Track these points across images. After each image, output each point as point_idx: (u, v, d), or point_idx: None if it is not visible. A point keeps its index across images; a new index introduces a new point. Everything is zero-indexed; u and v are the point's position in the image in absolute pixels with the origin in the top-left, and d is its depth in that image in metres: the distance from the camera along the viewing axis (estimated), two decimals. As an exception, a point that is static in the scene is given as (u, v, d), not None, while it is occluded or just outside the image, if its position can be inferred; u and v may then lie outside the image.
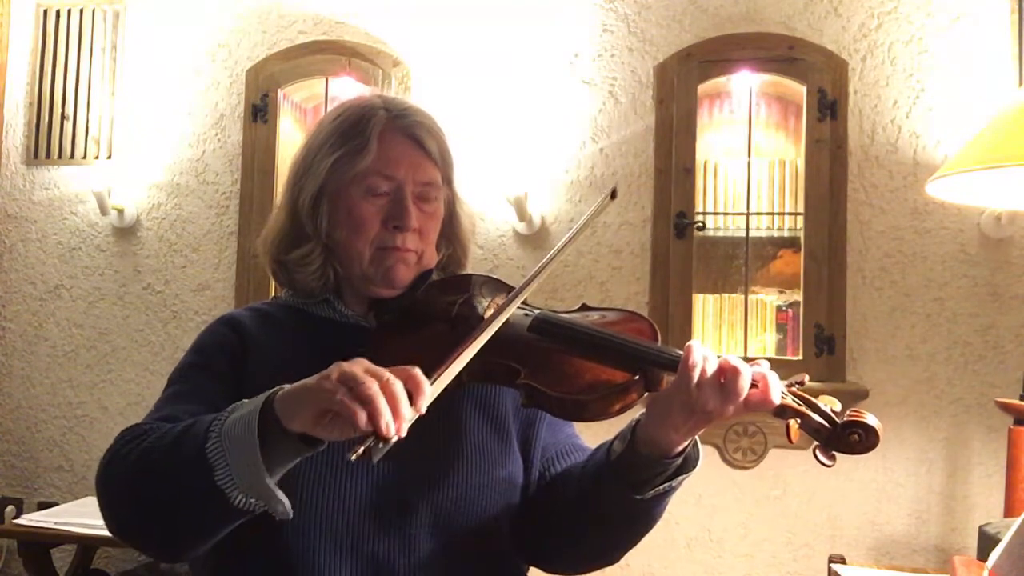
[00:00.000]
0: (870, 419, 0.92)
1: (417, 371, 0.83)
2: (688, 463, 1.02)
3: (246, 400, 0.90)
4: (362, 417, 0.78)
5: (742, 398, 0.93)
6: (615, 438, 1.05)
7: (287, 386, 0.87)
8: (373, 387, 0.79)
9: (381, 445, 0.78)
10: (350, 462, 1.01)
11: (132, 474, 0.93)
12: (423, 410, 0.82)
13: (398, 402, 0.79)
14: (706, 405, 0.93)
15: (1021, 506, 1.95)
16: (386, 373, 0.81)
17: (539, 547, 1.15)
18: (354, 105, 1.19)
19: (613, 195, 1.15)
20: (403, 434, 0.79)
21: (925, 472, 2.46)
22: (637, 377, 0.97)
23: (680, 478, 1.02)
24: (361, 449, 0.77)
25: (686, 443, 0.99)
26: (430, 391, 0.83)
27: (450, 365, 0.87)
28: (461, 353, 0.89)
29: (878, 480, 2.48)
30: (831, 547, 2.46)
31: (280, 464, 0.87)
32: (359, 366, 0.82)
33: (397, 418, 0.78)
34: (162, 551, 1.00)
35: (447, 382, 0.87)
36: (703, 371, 0.92)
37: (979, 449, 2.43)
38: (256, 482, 0.85)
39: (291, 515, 0.87)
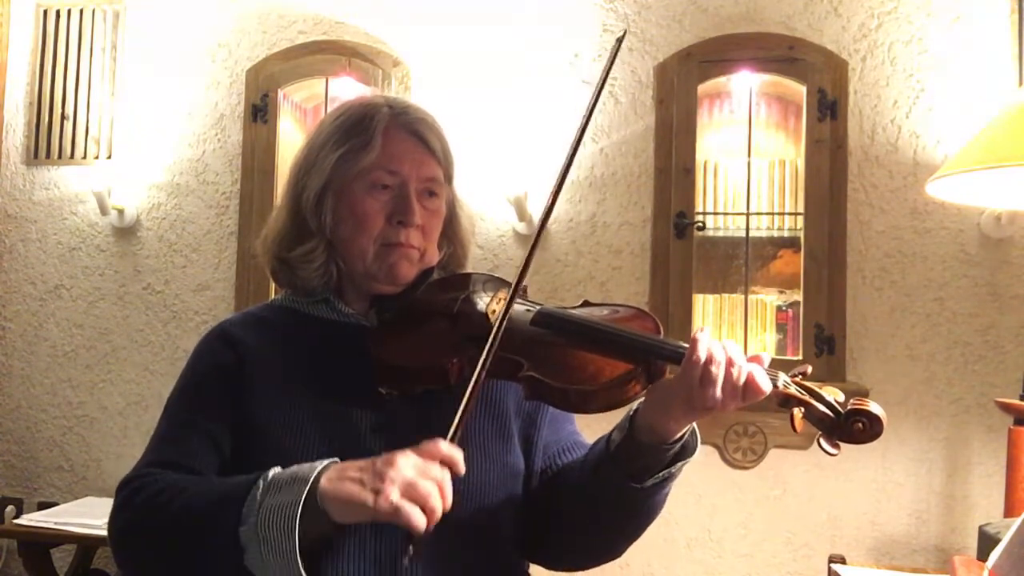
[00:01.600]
0: (874, 407, 0.92)
1: (445, 446, 0.90)
2: (687, 450, 1.02)
3: (277, 472, 0.94)
4: (422, 523, 0.85)
5: (740, 387, 0.93)
6: (614, 429, 1.06)
7: (333, 472, 0.91)
8: (435, 497, 0.86)
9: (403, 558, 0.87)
10: (352, 448, 1.03)
11: (155, 550, 0.98)
12: (463, 473, 0.91)
13: (447, 496, 0.88)
14: (707, 401, 0.93)
15: (1021, 506, 1.95)
16: (436, 472, 0.88)
17: (542, 543, 1.15)
18: (357, 103, 1.20)
19: (622, 38, 1.18)
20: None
21: (925, 472, 2.46)
22: (640, 369, 0.98)
23: (679, 464, 1.02)
24: (412, 551, 0.86)
25: (684, 430, 1.00)
26: (460, 459, 0.90)
27: (460, 411, 0.92)
28: (469, 403, 0.93)
29: (878, 480, 2.48)
30: (831, 547, 2.46)
31: (312, 543, 0.92)
32: (410, 468, 0.88)
33: (446, 504, 0.88)
34: None
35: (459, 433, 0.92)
36: (708, 370, 0.92)
37: (979, 449, 2.43)
38: (288, 570, 0.89)
39: None
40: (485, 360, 0.95)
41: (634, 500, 1.03)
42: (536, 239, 1.06)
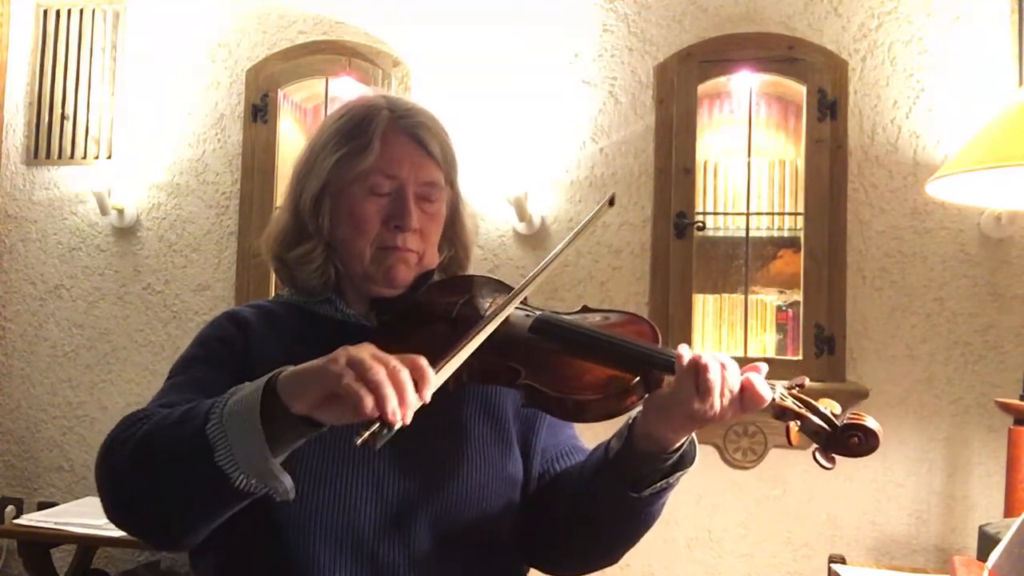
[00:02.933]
0: (870, 422, 0.92)
1: (422, 360, 0.83)
2: (685, 459, 1.02)
3: (247, 383, 0.90)
4: (368, 402, 0.78)
5: (736, 393, 0.93)
6: (613, 436, 1.05)
7: (290, 368, 0.86)
8: (380, 373, 0.79)
9: (386, 431, 0.78)
10: (351, 454, 1.01)
11: (132, 457, 0.93)
12: (428, 398, 0.82)
13: (404, 389, 0.79)
14: (706, 412, 0.93)
15: (1021, 506, 1.95)
16: (392, 360, 0.81)
17: (540, 548, 1.15)
18: (358, 105, 1.19)
19: (611, 202, 1.15)
20: (408, 421, 0.79)
21: (925, 472, 2.46)
22: (637, 378, 0.97)
23: (678, 474, 1.02)
24: (366, 434, 0.77)
25: (683, 440, 0.99)
26: (435, 379, 0.83)
27: (454, 356, 0.87)
28: (464, 344, 0.89)
29: (878, 480, 2.48)
30: (831, 547, 2.46)
31: (282, 446, 0.87)
32: (366, 351, 0.82)
33: (403, 404, 0.79)
34: (160, 536, 0.99)
35: (451, 372, 0.87)
36: (705, 379, 0.92)
37: (979, 449, 2.43)
38: (257, 461, 0.85)
39: (292, 495, 0.87)
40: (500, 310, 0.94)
41: (632, 508, 1.03)
42: (545, 265, 1.06)
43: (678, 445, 0.99)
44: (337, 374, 0.80)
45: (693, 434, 1.01)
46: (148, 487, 0.92)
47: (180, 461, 0.89)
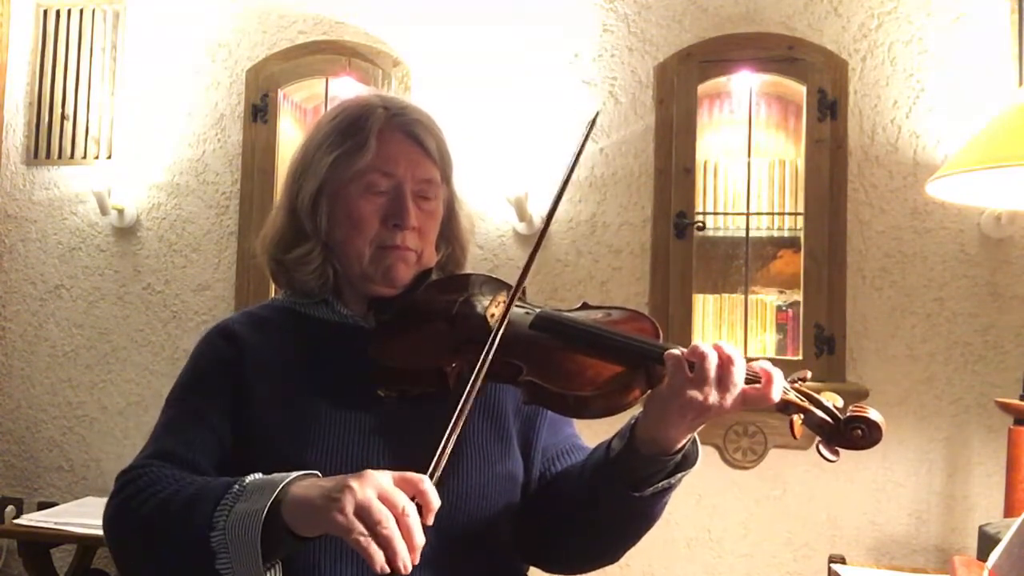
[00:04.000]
0: (873, 414, 0.92)
1: (424, 481, 0.84)
2: (687, 461, 1.01)
3: (252, 478, 0.93)
4: (380, 560, 0.80)
5: (738, 390, 0.93)
6: (614, 436, 1.05)
7: (296, 483, 0.89)
8: (391, 526, 0.80)
9: None
10: (350, 453, 1.03)
11: (139, 536, 0.99)
12: (431, 523, 0.84)
13: (414, 536, 0.81)
14: (702, 401, 0.92)
15: (1021, 506, 1.95)
16: (400, 500, 0.82)
17: (539, 546, 1.15)
18: (353, 104, 1.19)
19: (594, 121, 1.16)
20: (417, 561, 0.82)
21: (925, 472, 2.46)
22: (639, 373, 0.97)
23: (679, 476, 1.01)
24: None
25: (685, 440, 0.99)
26: (437, 504, 0.84)
27: (445, 452, 0.88)
28: (455, 431, 0.89)
29: (878, 480, 2.48)
30: (831, 547, 2.46)
31: (281, 553, 0.91)
32: (372, 490, 0.82)
33: (413, 552, 0.81)
34: None
35: (444, 461, 0.88)
36: (699, 367, 0.92)
37: (979, 449, 2.43)
38: (254, 573, 0.89)
39: None
40: (480, 369, 0.94)
41: (633, 508, 1.02)
42: (536, 247, 1.06)
43: (680, 446, 0.99)
44: (346, 528, 0.81)
45: (695, 435, 1.00)
46: (153, 565, 0.99)
47: (183, 557, 0.94)
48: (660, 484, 1.00)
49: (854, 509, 2.49)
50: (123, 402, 2.94)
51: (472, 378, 0.94)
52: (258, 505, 0.88)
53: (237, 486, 0.93)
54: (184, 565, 0.94)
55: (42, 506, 2.81)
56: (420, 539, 0.81)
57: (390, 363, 1.07)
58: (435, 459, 0.86)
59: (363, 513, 0.81)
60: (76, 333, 2.99)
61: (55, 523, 2.48)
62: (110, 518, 1.02)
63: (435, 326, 1.11)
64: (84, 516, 2.50)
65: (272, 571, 0.91)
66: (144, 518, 0.97)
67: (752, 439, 2.54)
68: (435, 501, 0.83)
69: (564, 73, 2.71)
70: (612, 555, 1.12)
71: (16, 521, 2.55)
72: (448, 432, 0.88)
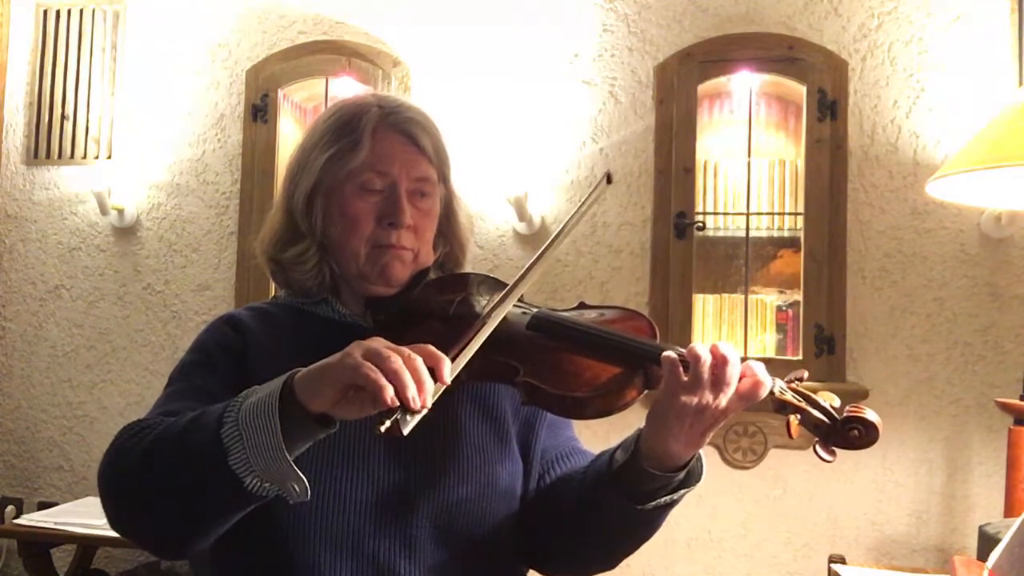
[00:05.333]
0: (870, 414, 0.92)
1: (433, 348, 0.85)
2: (691, 477, 1.01)
3: (259, 386, 0.90)
4: (389, 391, 0.80)
5: (732, 389, 0.92)
6: (618, 447, 1.04)
7: (303, 369, 0.87)
8: (397, 361, 0.81)
9: (408, 417, 0.80)
10: (350, 454, 1.01)
11: (139, 464, 0.92)
12: (448, 380, 0.84)
13: (421, 374, 0.82)
14: (698, 403, 0.92)
15: (1021, 506, 1.95)
16: (406, 349, 0.83)
17: (537, 549, 1.15)
18: (348, 103, 1.19)
19: (608, 179, 1.15)
20: (429, 405, 0.81)
21: (925, 472, 2.46)
22: (636, 374, 0.97)
23: (682, 492, 1.01)
24: (389, 423, 0.79)
25: (690, 457, 0.98)
26: (450, 365, 0.85)
27: (467, 343, 0.90)
28: (476, 332, 0.91)
29: (878, 480, 2.48)
30: (831, 547, 2.46)
31: (295, 447, 0.87)
32: (379, 343, 0.84)
33: (422, 390, 0.81)
34: (166, 544, 0.99)
35: (468, 357, 0.89)
36: (694, 369, 0.92)
37: (979, 449, 2.43)
38: (274, 462, 0.85)
39: (308, 495, 0.87)
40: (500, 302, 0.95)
41: (633, 520, 1.02)
42: (541, 254, 1.06)
43: (684, 462, 0.98)
44: (354, 366, 0.82)
45: (700, 452, 1.00)
46: (156, 493, 0.92)
47: (191, 466, 0.88)
48: (663, 500, 1.00)
49: (854, 509, 2.49)
50: (123, 402, 2.94)
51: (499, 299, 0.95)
52: (271, 388, 0.87)
53: (244, 392, 0.90)
54: (192, 478, 0.88)
55: (42, 506, 2.81)
56: (430, 383, 0.82)
57: None
58: (455, 347, 0.88)
59: (370, 354, 0.82)
60: (76, 333, 2.99)
61: (55, 523, 2.48)
62: (107, 461, 0.96)
63: (432, 325, 1.10)
64: (84, 516, 2.50)
65: (296, 471, 0.85)
66: (145, 448, 0.92)
67: (752, 439, 2.54)
68: (446, 368, 0.84)
69: (564, 73, 2.71)
70: (610, 562, 1.12)
71: (16, 521, 2.55)
72: (475, 324, 0.91)
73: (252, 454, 0.85)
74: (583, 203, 1.11)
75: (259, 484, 0.86)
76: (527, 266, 1.04)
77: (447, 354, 0.87)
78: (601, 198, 1.19)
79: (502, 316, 0.96)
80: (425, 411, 0.81)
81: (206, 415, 0.90)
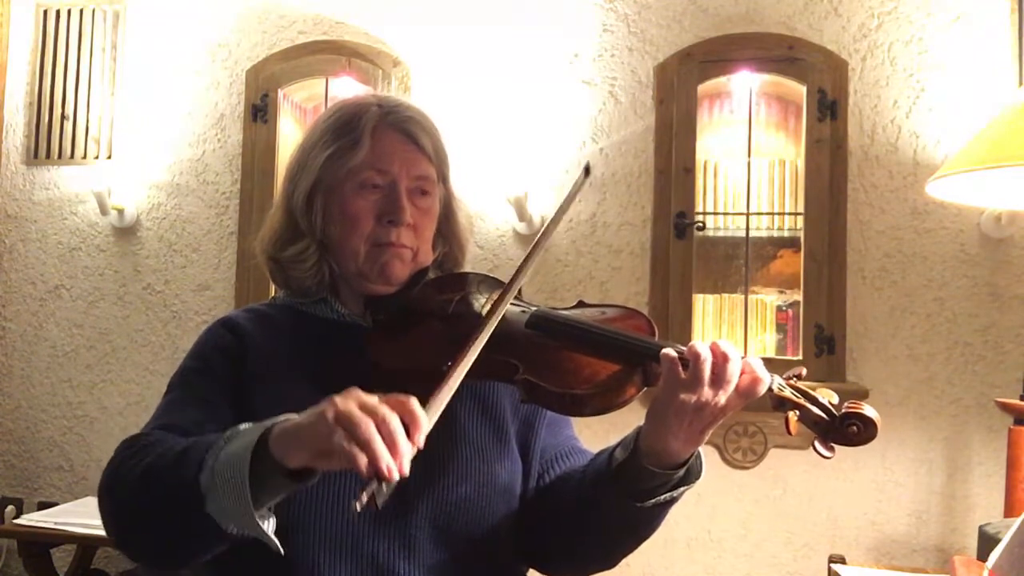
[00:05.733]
0: (868, 411, 0.92)
1: (412, 401, 0.82)
2: (690, 475, 1.01)
3: (244, 426, 0.90)
4: (362, 461, 0.77)
5: (732, 387, 0.92)
6: (617, 445, 1.04)
7: (282, 420, 0.86)
8: (370, 428, 0.78)
9: (384, 488, 0.78)
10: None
11: (133, 492, 0.95)
12: (421, 444, 0.81)
13: (396, 440, 0.78)
14: (697, 400, 0.92)
15: (1021, 506, 1.95)
16: (381, 409, 0.80)
17: (537, 549, 1.15)
18: (348, 103, 1.20)
19: (587, 172, 1.15)
20: (405, 472, 0.78)
21: (925, 472, 2.46)
22: (635, 372, 0.97)
23: (682, 489, 1.01)
24: (365, 497, 0.76)
25: (689, 454, 0.98)
26: (426, 423, 0.82)
27: (443, 390, 0.87)
28: (452, 375, 0.89)
29: (878, 480, 2.48)
30: (831, 547, 2.46)
31: (272, 496, 0.88)
32: (353, 402, 0.80)
33: (396, 457, 0.78)
34: (163, 563, 1.01)
35: (442, 408, 0.86)
36: (694, 366, 0.92)
37: (979, 449, 2.43)
38: (243, 517, 0.85)
39: (281, 551, 0.88)
40: (472, 342, 0.93)
41: (633, 518, 1.02)
42: (534, 248, 1.06)
43: (683, 460, 0.98)
44: (326, 434, 0.79)
45: (700, 449, 1.00)
46: (150, 518, 0.95)
47: (176, 505, 0.90)
48: (662, 497, 1.00)
49: (854, 509, 2.49)
50: (123, 402, 2.94)
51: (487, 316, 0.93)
52: (247, 439, 0.86)
53: (229, 432, 0.91)
54: (175, 514, 0.91)
55: (42, 506, 2.81)
56: (405, 447, 0.79)
57: (386, 363, 1.07)
58: (433, 393, 0.85)
59: (343, 419, 0.79)
60: (76, 333, 2.99)
61: (55, 523, 2.48)
62: (105, 482, 0.99)
63: (431, 325, 1.10)
64: (84, 516, 2.50)
65: (266, 521, 0.87)
66: (137, 474, 0.94)
67: (752, 439, 2.54)
68: (423, 421, 0.81)
69: (564, 73, 2.71)
70: (609, 561, 1.12)
71: (16, 521, 2.55)
72: (448, 370, 0.88)
73: (225, 503, 0.86)
74: (565, 200, 1.10)
75: (237, 529, 0.88)
76: (510, 280, 1.04)
77: (429, 393, 0.84)
78: (581, 193, 1.19)
79: (478, 351, 0.93)
80: (399, 478, 0.78)
81: (191, 453, 0.91)
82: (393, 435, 0.78)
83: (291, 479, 0.86)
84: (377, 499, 0.77)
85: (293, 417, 0.86)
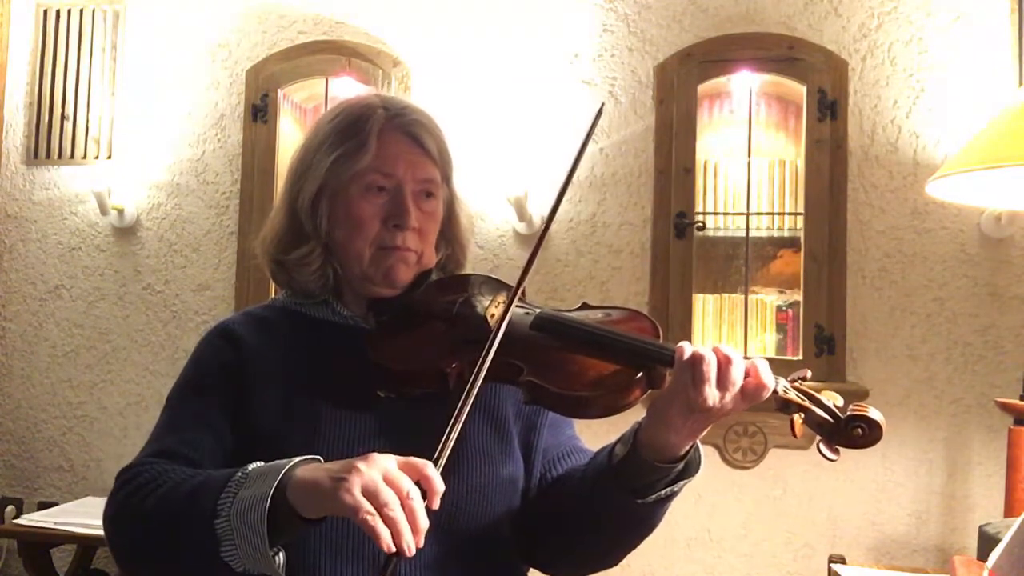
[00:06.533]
0: (873, 413, 0.92)
1: (429, 467, 0.86)
2: (690, 468, 1.01)
3: (254, 466, 0.93)
4: (387, 539, 0.81)
5: (738, 388, 0.93)
6: (617, 442, 1.04)
7: (299, 464, 0.90)
8: (397, 509, 0.82)
9: (401, 561, 0.82)
10: (350, 455, 1.02)
11: (141, 531, 0.98)
12: (436, 506, 0.85)
13: (418, 519, 0.83)
14: (705, 402, 0.92)
15: (1021, 506, 1.95)
16: (405, 483, 0.84)
17: (539, 549, 1.15)
18: (352, 104, 1.19)
19: (600, 113, 1.14)
20: (422, 544, 0.83)
21: (925, 472, 2.46)
22: (639, 374, 0.97)
23: (681, 483, 1.02)
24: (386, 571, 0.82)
25: (687, 447, 0.99)
26: (442, 488, 0.86)
27: (449, 441, 0.89)
28: (457, 425, 0.91)
29: (878, 480, 2.48)
30: (831, 547, 2.46)
31: (285, 537, 0.91)
32: (378, 473, 0.84)
33: (417, 533, 0.82)
34: None
35: (452, 443, 0.89)
36: (700, 370, 0.92)
37: (979, 449, 2.43)
38: (260, 559, 0.89)
39: None
40: (478, 370, 0.95)
41: (634, 514, 1.02)
42: (536, 248, 1.06)
43: (682, 453, 0.99)
44: (353, 507, 0.82)
45: (698, 442, 1.00)
46: (157, 559, 0.98)
47: (188, 545, 0.93)
48: (663, 492, 1.00)
49: (854, 509, 2.49)
50: (123, 402, 2.94)
51: (476, 369, 0.95)
52: (263, 489, 0.89)
53: (240, 474, 0.93)
54: (189, 556, 0.93)
55: (42, 506, 2.81)
56: (424, 522, 0.83)
57: (389, 364, 1.07)
58: (439, 447, 0.88)
59: (370, 494, 0.82)
60: (76, 333, 2.99)
61: (55, 523, 2.48)
62: (111, 517, 1.01)
63: (435, 327, 1.10)
64: (84, 516, 2.50)
65: (276, 556, 0.90)
66: (146, 513, 0.96)
67: (752, 439, 2.54)
68: (439, 486, 0.85)
69: (564, 73, 2.71)
70: (611, 559, 1.12)
71: (16, 521, 2.55)
72: (452, 422, 0.90)
73: (241, 551, 0.89)
74: (582, 142, 1.09)
75: (249, 570, 0.91)
76: (519, 278, 1.05)
77: (436, 447, 0.88)
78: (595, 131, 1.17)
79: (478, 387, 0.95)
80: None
81: (204, 494, 0.93)
82: (415, 513, 0.83)
83: (305, 522, 0.89)
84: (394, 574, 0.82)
85: (310, 465, 0.90)
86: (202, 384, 1.12)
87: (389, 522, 0.81)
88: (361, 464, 0.84)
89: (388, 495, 0.82)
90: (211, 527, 0.90)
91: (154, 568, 0.99)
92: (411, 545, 0.81)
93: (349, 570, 1.01)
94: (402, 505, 0.82)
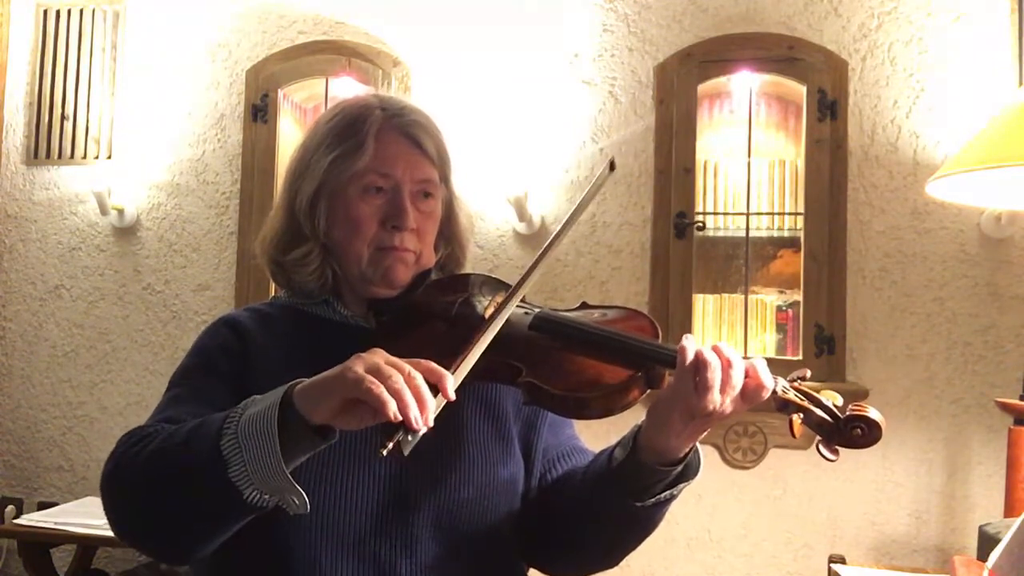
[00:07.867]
0: (872, 413, 0.92)
1: (434, 364, 0.85)
2: (689, 471, 1.02)
3: (258, 396, 0.90)
4: (392, 406, 0.80)
5: (738, 390, 0.93)
6: (616, 444, 1.04)
7: (304, 380, 0.88)
8: (399, 380, 0.81)
9: (410, 437, 0.80)
10: (351, 454, 1.01)
11: (141, 474, 0.93)
12: (452, 396, 0.85)
13: (423, 393, 0.82)
14: (707, 408, 0.92)
15: (1021, 506, 1.95)
16: (407, 365, 0.83)
17: (538, 549, 1.15)
18: (350, 105, 1.19)
19: (612, 166, 1.12)
20: (431, 424, 0.81)
21: (925, 472, 2.46)
22: (639, 374, 0.97)
23: (681, 486, 1.02)
24: (391, 444, 0.79)
25: (687, 450, 0.99)
26: (452, 379, 0.85)
27: (468, 353, 0.89)
28: (476, 341, 0.91)
29: (878, 480, 2.48)
30: (831, 547, 2.46)
31: (294, 459, 0.88)
32: (380, 357, 0.84)
33: (424, 409, 0.81)
34: (168, 552, 1.00)
35: (468, 370, 0.89)
36: (704, 376, 0.92)
37: (979, 449, 2.43)
38: (273, 476, 0.86)
39: (308, 508, 0.88)
40: (504, 304, 0.95)
41: (633, 516, 1.02)
42: (542, 255, 1.05)
43: (682, 455, 0.99)
44: (356, 380, 0.81)
45: (697, 445, 1.00)
46: (158, 504, 0.93)
47: (191, 477, 0.89)
48: (662, 494, 1.00)
49: (854, 509, 2.49)
50: (123, 402, 2.94)
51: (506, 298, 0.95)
52: (270, 400, 0.87)
53: (243, 403, 0.91)
54: (189, 490, 0.89)
55: (42, 506, 2.81)
56: (431, 402, 0.82)
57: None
58: (457, 360, 0.88)
59: (372, 369, 0.82)
60: (76, 333, 2.99)
61: (55, 523, 2.48)
62: (110, 471, 0.96)
63: (434, 326, 1.10)
64: (84, 516, 2.50)
65: (288, 492, 0.87)
66: (146, 459, 0.93)
67: (752, 439, 2.54)
68: (449, 383, 0.84)
69: (564, 73, 2.71)
70: (610, 560, 1.12)
71: (16, 521, 2.55)
72: (474, 339, 0.90)
73: (251, 467, 0.86)
74: (587, 192, 1.09)
75: (259, 496, 0.87)
76: (530, 266, 1.04)
77: (450, 364, 0.87)
78: (603, 190, 1.18)
79: (505, 319, 0.96)
80: (426, 429, 0.81)
81: (206, 425, 0.91)
82: (419, 389, 0.82)
83: (315, 436, 0.87)
84: (403, 447, 0.80)
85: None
86: (206, 366, 1.11)
87: (394, 393, 0.80)
88: (363, 354, 0.85)
89: (392, 371, 0.82)
90: (216, 448, 0.87)
91: (154, 518, 0.94)
92: (417, 417, 0.80)
93: (348, 567, 1.01)
94: (405, 382, 0.81)
